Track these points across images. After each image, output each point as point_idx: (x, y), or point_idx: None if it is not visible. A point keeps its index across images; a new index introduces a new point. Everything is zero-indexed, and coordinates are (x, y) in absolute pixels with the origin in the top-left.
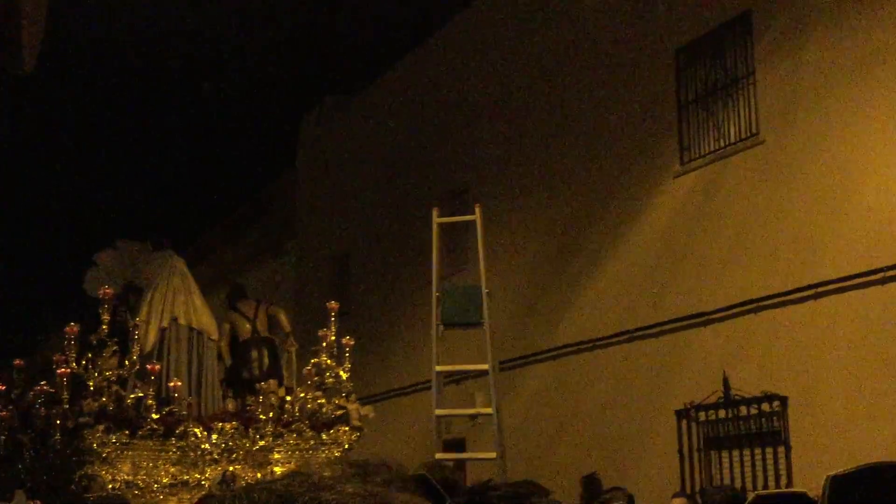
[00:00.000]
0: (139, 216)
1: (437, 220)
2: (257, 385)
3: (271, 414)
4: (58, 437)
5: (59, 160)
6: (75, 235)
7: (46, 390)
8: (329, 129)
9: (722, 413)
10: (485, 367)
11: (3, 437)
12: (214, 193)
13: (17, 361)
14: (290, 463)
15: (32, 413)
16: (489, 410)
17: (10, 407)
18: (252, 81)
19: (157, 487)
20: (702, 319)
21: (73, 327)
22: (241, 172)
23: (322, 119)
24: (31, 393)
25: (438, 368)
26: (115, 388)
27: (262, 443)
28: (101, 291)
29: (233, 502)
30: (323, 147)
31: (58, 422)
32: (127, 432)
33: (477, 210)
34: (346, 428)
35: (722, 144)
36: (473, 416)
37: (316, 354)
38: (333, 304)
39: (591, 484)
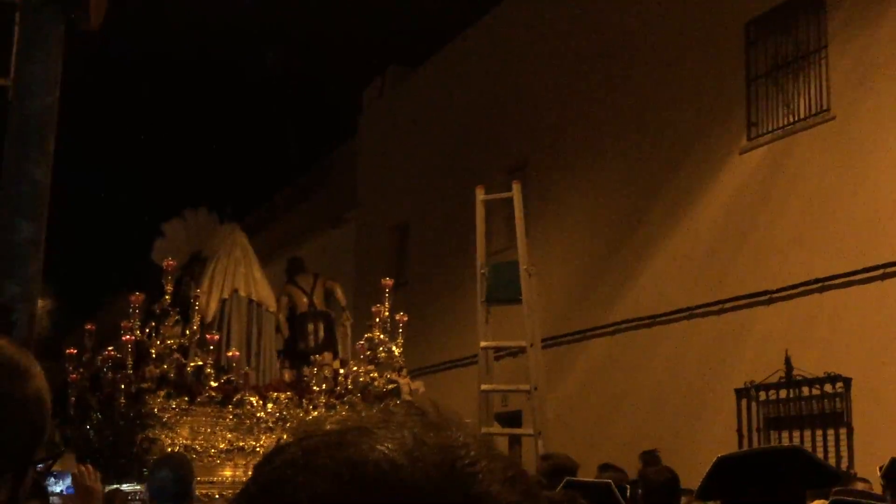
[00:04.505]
0: (205, 182)
1: (481, 197)
2: (312, 357)
3: (324, 385)
4: (122, 400)
5: (127, 120)
6: (147, 200)
7: (113, 355)
8: (392, 100)
9: (783, 393)
10: (523, 343)
11: (73, 399)
12: (278, 161)
13: (88, 325)
14: None
15: (100, 377)
16: (527, 387)
17: (81, 370)
18: (317, 50)
19: (213, 452)
20: (765, 298)
21: (137, 296)
22: (305, 141)
23: (385, 89)
24: (100, 357)
25: (484, 344)
26: (176, 356)
27: (314, 413)
28: (165, 263)
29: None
30: (385, 117)
31: (122, 386)
32: (186, 399)
33: (515, 188)
34: (397, 401)
35: (791, 120)
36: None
37: (370, 329)
38: (388, 281)
39: (650, 460)
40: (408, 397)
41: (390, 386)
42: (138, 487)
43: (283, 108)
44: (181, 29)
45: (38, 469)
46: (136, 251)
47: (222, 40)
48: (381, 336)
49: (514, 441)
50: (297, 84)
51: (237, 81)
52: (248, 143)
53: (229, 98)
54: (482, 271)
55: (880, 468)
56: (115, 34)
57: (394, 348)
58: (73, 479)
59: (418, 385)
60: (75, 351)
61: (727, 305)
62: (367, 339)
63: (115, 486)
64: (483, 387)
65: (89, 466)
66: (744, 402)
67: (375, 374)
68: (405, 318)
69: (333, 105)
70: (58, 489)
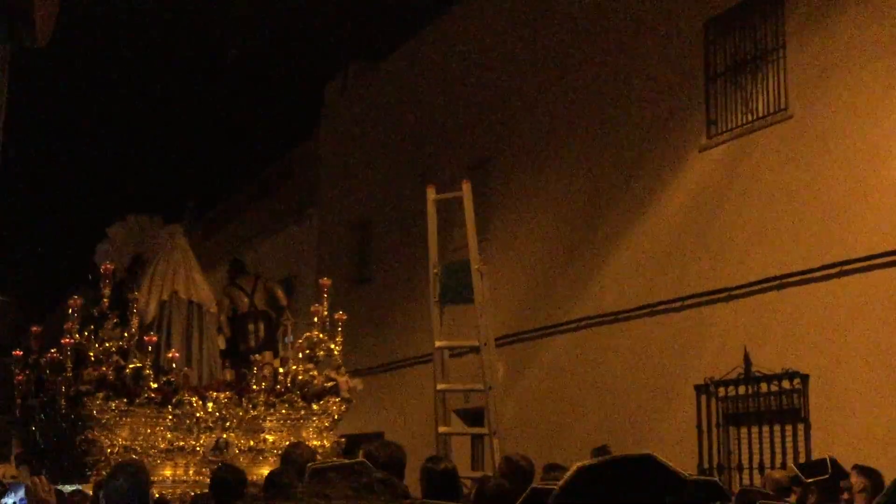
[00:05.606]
0: (166, 180)
1: (432, 197)
2: (252, 356)
3: (264, 384)
4: (63, 402)
5: (82, 130)
6: (107, 201)
7: (55, 357)
8: (353, 96)
9: (742, 389)
10: (476, 343)
11: (18, 401)
12: (238, 159)
13: (34, 328)
14: (281, 431)
15: (44, 379)
16: (480, 387)
17: (27, 371)
18: (277, 47)
19: (153, 452)
20: (724, 295)
21: (76, 300)
22: (265, 138)
23: (346, 85)
24: (43, 360)
25: (438, 344)
26: (115, 358)
27: (254, 412)
28: (102, 266)
29: None
30: (346, 113)
31: (62, 388)
32: (125, 400)
33: (465, 187)
34: (336, 399)
35: (750, 118)
36: (468, 392)
37: (309, 328)
38: (325, 281)
39: (601, 456)
40: (346, 395)
41: (329, 384)
42: (80, 488)
43: (244, 103)
44: (140, 25)
45: None
46: (93, 253)
47: (181, 36)
48: (320, 335)
49: (477, 439)
50: (258, 79)
51: (198, 77)
52: (208, 140)
53: (190, 94)
54: (434, 271)
55: (797, 464)
56: (70, 35)
57: (332, 346)
58: (26, 491)
59: (356, 383)
60: (21, 353)
61: (687, 303)
62: (307, 338)
63: (75, 487)
64: (439, 386)
65: (43, 478)
66: (703, 399)
67: (315, 373)
68: (344, 317)
69: (295, 100)
70: (10, 501)
